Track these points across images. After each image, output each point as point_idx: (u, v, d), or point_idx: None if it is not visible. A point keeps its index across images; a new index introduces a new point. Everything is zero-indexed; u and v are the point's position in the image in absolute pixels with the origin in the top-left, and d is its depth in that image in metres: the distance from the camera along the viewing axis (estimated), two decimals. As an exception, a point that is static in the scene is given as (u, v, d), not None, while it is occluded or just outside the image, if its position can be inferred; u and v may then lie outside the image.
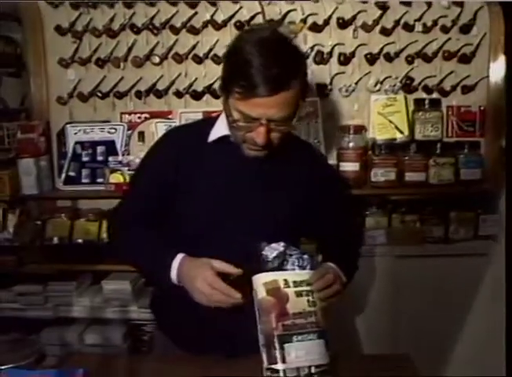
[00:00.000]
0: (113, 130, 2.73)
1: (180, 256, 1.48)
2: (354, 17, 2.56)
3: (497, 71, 2.57)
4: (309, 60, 2.60)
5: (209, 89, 2.66)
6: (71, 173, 2.72)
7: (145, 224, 1.59)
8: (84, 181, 2.71)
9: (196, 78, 2.66)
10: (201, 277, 1.41)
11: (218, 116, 1.63)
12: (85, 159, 2.73)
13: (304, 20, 2.58)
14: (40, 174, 2.67)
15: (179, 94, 2.69)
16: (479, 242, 2.58)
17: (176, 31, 2.63)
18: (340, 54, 2.60)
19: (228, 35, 2.58)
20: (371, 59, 2.59)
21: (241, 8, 2.58)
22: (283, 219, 1.56)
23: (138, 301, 2.61)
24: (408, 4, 2.54)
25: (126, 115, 2.74)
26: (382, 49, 2.58)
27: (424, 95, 2.62)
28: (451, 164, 2.53)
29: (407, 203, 2.62)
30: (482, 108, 2.62)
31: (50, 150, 2.80)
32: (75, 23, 2.67)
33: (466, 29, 2.55)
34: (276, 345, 1.27)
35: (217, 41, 2.61)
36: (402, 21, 2.54)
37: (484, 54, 2.58)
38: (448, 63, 2.58)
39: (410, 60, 2.58)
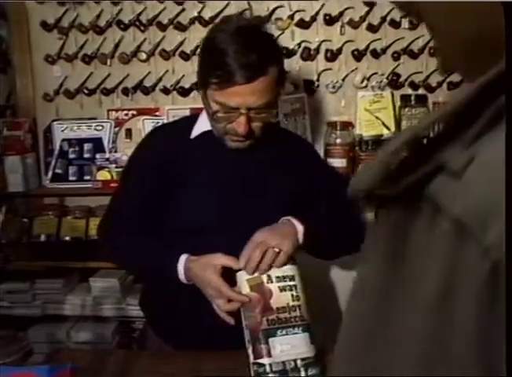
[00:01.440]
0: (100, 127, 2.72)
1: (183, 257, 1.48)
2: (341, 14, 2.56)
3: (482, 67, 2.58)
4: (297, 57, 2.61)
5: (196, 86, 2.64)
6: (58, 171, 2.71)
7: (139, 225, 1.60)
8: (71, 178, 2.70)
9: (183, 75, 2.66)
10: (208, 284, 1.42)
11: (200, 113, 1.64)
12: (72, 156, 2.72)
13: (291, 17, 2.58)
14: (26, 172, 2.66)
15: (166, 91, 2.68)
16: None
17: (163, 27, 2.62)
18: (327, 50, 2.60)
19: None
20: (358, 55, 2.59)
21: (228, 4, 2.57)
22: (270, 212, 1.56)
23: (126, 298, 2.60)
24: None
25: (113, 112, 2.74)
26: (368, 45, 2.58)
27: (410, 91, 2.62)
28: None
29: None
30: (468, 104, 2.63)
31: (37, 147, 2.79)
32: (61, 19, 2.66)
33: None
34: (261, 339, 1.30)
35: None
36: (388, 18, 2.55)
37: (470, 50, 2.59)
38: (433, 59, 2.58)
39: (396, 57, 2.59)
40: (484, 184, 0.36)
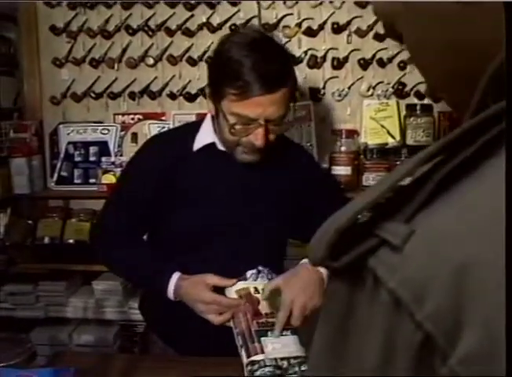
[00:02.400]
0: (106, 131, 2.73)
1: (175, 277, 1.49)
2: (349, 22, 2.57)
3: (489, 77, 2.59)
4: (303, 64, 2.62)
5: (202, 92, 2.65)
6: (64, 173, 2.72)
7: (131, 233, 1.59)
8: (76, 181, 2.72)
9: (190, 81, 2.67)
10: (200, 300, 1.44)
11: (201, 121, 1.61)
12: (77, 159, 2.73)
13: (299, 25, 2.59)
14: (32, 174, 2.67)
15: (173, 96, 2.70)
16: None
17: (171, 33, 2.64)
18: (333, 59, 2.61)
19: None
20: (364, 64, 2.60)
21: (238, 11, 2.59)
22: (272, 226, 1.57)
23: (129, 302, 2.61)
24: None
25: (120, 116, 2.75)
26: (374, 54, 2.59)
27: (416, 100, 2.63)
28: None
29: None
30: (473, 114, 2.63)
31: (43, 150, 2.80)
32: (70, 23, 2.68)
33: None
34: (254, 339, 1.33)
35: (211, 43, 2.59)
36: None
37: (477, 61, 2.59)
38: None
39: (402, 66, 2.59)
40: (422, 258, 0.37)
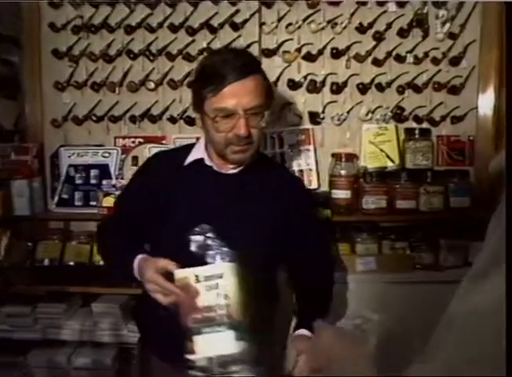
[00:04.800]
0: (107, 154, 2.75)
1: (139, 257, 1.57)
2: (348, 48, 2.61)
3: (486, 102, 2.63)
4: (302, 89, 2.65)
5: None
6: (64, 196, 2.73)
7: (125, 237, 1.72)
8: (77, 203, 2.72)
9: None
10: (146, 279, 1.50)
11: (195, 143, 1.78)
12: (78, 181, 2.75)
13: (299, 50, 2.63)
14: (33, 196, 2.68)
15: (173, 120, 2.72)
16: (469, 269, 2.58)
17: (172, 57, 2.66)
18: (332, 83, 2.64)
19: None
20: (363, 89, 2.63)
21: (239, 36, 2.62)
22: (256, 236, 1.64)
23: (127, 324, 2.59)
24: (403, 36, 2.60)
25: (120, 139, 2.77)
26: (373, 79, 2.62)
27: (414, 125, 2.66)
28: (441, 192, 2.56)
29: (398, 230, 2.64)
30: (471, 138, 2.67)
31: (43, 172, 2.81)
32: (73, 47, 2.71)
33: (455, 61, 2.61)
34: (189, 337, 1.34)
35: None
36: (394, 52, 2.60)
37: (473, 86, 2.64)
38: (437, 94, 2.64)
39: (401, 91, 2.63)
40: None
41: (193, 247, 1.39)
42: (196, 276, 1.37)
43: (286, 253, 1.77)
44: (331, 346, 1.16)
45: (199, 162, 1.71)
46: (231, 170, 1.69)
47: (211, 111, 1.55)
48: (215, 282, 1.35)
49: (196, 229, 1.39)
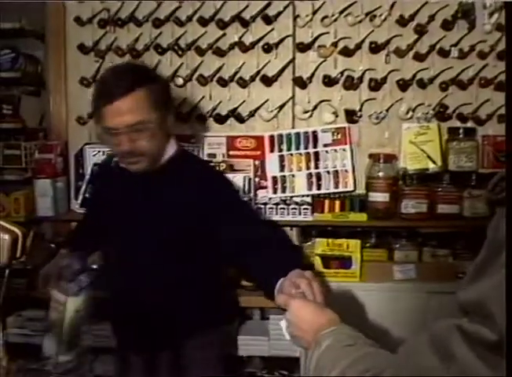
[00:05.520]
0: (133, 153, 2.65)
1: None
2: (388, 42, 2.50)
3: (536, 100, 2.47)
4: (339, 85, 2.55)
5: (233, 113, 2.59)
6: (88, 196, 2.64)
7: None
8: (101, 203, 2.63)
9: (220, 102, 2.60)
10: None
11: None
12: (103, 181, 2.65)
13: (335, 44, 2.52)
14: (56, 196, 2.61)
15: (202, 118, 2.63)
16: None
17: (201, 52, 2.58)
18: (371, 80, 2.53)
19: (255, 58, 2.55)
20: (404, 85, 2.52)
21: (272, 30, 2.53)
22: (167, 239, 1.71)
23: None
24: (447, 28, 2.48)
25: (147, 138, 2.67)
26: (415, 75, 2.51)
27: (458, 123, 2.54)
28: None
29: (439, 237, 2.53)
30: (520, 139, 2.51)
31: (68, 171, 2.73)
32: (99, 41, 2.63)
33: (504, 55, 2.45)
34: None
35: (243, 63, 2.56)
36: (437, 46, 2.48)
37: (523, 82, 2.48)
38: (484, 90, 2.51)
39: (444, 87, 2.51)
40: None
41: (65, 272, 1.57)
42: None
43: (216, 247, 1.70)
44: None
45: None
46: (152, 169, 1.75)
47: (100, 128, 1.67)
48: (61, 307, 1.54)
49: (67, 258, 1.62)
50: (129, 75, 1.65)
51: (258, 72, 2.55)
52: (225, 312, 2.00)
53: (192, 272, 1.78)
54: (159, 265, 1.74)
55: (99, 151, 2.65)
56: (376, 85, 2.53)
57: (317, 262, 2.43)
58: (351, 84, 2.54)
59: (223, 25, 2.54)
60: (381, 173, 2.46)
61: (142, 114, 1.60)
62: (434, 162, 2.52)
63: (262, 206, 2.52)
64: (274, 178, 2.55)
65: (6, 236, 1.67)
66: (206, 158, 2.58)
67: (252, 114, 2.59)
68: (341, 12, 2.50)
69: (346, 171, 2.54)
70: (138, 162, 1.68)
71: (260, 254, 1.54)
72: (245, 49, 2.54)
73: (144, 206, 1.76)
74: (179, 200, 1.72)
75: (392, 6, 2.49)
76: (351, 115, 2.56)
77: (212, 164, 2.40)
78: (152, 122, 1.63)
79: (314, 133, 2.55)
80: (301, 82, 2.55)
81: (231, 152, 2.60)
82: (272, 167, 2.56)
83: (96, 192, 1.94)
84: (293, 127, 2.58)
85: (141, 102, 1.60)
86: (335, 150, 2.55)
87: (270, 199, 2.54)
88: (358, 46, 2.51)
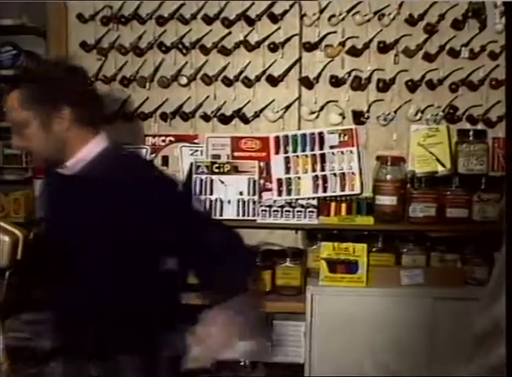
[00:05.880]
0: (135, 153, 2.62)
1: None
2: (397, 41, 2.46)
3: (548, 102, 2.44)
4: (346, 86, 2.51)
5: (238, 113, 2.56)
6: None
7: None
8: (103, 204, 2.60)
9: (225, 102, 2.57)
10: None
11: None
12: (105, 181, 2.62)
13: (342, 43, 2.48)
14: (57, 196, 2.57)
15: (206, 117, 2.59)
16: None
17: (206, 51, 2.54)
18: (379, 80, 2.50)
19: (261, 57, 2.52)
20: (412, 86, 2.48)
21: (279, 29, 2.50)
22: (81, 244, 1.55)
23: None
24: (458, 28, 2.44)
25: (150, 138, 2.64)
26: (424, 75, 2.48)
27: (468, 126, 2.51)
28: (497, 200, 2.39)
29: (448, 241, 2.49)
30: (532, 142, 2.48)
31: (70, 171, 2.70)
32: (102, 39, 2.59)
33: (516, 57, 2.42)
34: None
35: (248, 63, 2.53)
36: (447, 46, 2.45)
37: (535, 83, 2.45)
38: (495, 92, 2.47)
39: (454, 88, 2.47)
40: None
41: None
42: None
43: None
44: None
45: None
46: (66, 171, 1.63)
47: None
48: None
49: None
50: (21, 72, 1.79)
51: (264, 72, 2.52)
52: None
53: (132, 282, 1.61)
54: (93, 280, 1.59)
55: (100, 152, 2.62)
56: (384, 85, 2.50)
57: (323, 266, 2.39)
58: (358, 84, 2.50)
59: (228, 23, 2.51)
60: (388, 176, 2.43)
61: (15, 114, 1.60)
62: (443, 165, 2.49)
63: (267, 208, 2.48)
64: (279, 180, 2.52)
65: (6, 238, 1.66)
66: (210, 159, 2.55)
67: (257, 114, 2.55)
68: (348, 11, 2.47)
69: (353, 174, 2.51)
70: (36, 161, 1.76)
71: (202, 270, 1.52)
72: (250, 48, 2.51)
73: (61, 212, 1.64)
74: (101, 204, 1.56)
75: (401, 5, 2.45)
76: (358, 117, 2.53)
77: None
78: (29, 121, 1.57)
79: (320, 134, 2.52)
80: (307, 83, 2.51)
81: (235, 153, 2.57)
82: (277, 169, 2.53)
83: (39, 196, 1.97)
84: (299, 128, 2.55)
85: (16, 101, 1.60)
86: (342, 152, 2.52)
87: (275, 201, 2.50)
88: (366, 46, 2.48)
